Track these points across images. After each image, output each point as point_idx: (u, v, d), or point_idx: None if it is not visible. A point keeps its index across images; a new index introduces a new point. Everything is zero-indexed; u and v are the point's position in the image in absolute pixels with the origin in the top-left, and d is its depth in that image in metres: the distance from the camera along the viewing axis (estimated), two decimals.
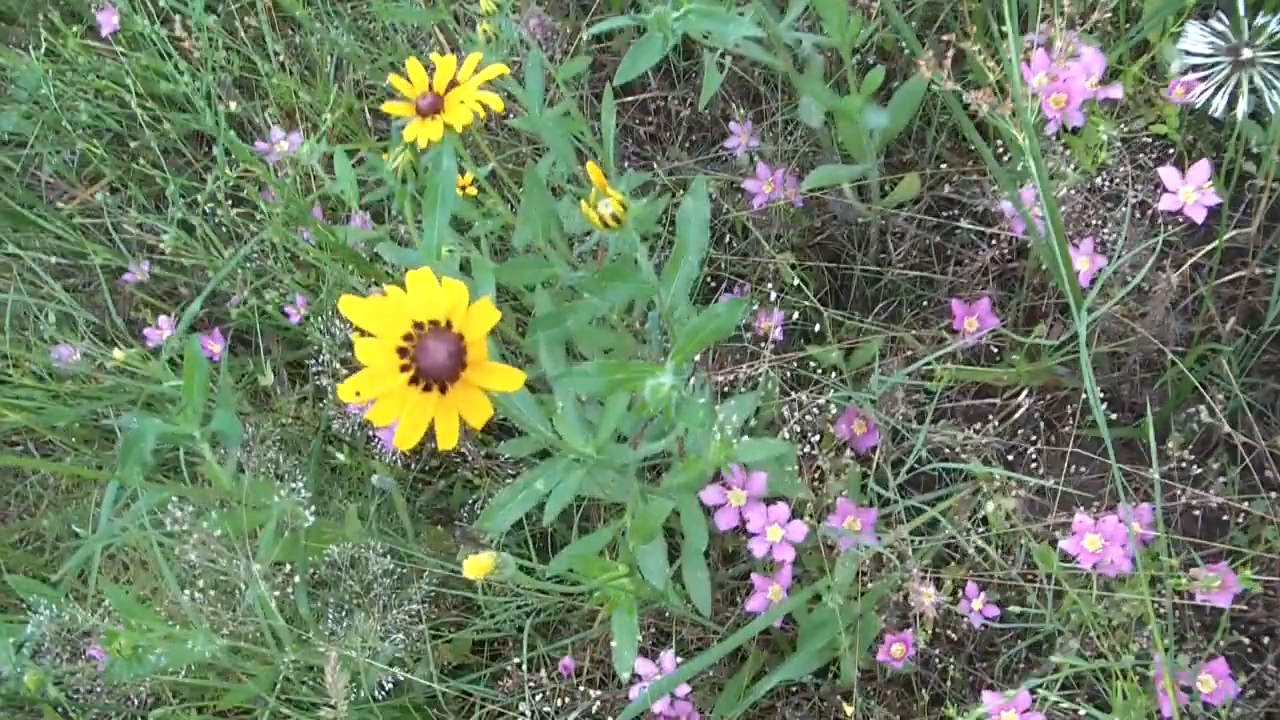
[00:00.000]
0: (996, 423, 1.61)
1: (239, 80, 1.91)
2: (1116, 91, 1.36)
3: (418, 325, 0.77)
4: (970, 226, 1.69)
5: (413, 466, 1.65)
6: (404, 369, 0.77)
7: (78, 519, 1.75)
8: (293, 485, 1.29)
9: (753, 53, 1.52)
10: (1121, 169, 1.45)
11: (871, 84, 1.40)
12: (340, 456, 1.53)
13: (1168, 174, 1.35)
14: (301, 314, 1.76)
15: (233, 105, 1.36)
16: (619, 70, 1.23)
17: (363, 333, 0.78)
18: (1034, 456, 1.66)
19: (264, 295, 1.65)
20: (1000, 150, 1.54)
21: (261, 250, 1.78)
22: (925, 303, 1.82)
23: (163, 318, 1.78)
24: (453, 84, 1.12)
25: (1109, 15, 1.49)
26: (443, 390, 0.77)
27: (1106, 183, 1.50)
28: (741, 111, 1.85)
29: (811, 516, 1.46)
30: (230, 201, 1.91)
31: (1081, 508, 1.45)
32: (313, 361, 1.62)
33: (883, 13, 1.42)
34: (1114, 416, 1.74)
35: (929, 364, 1.54)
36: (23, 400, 1.66)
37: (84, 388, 1.79)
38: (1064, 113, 1.37)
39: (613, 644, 1.24)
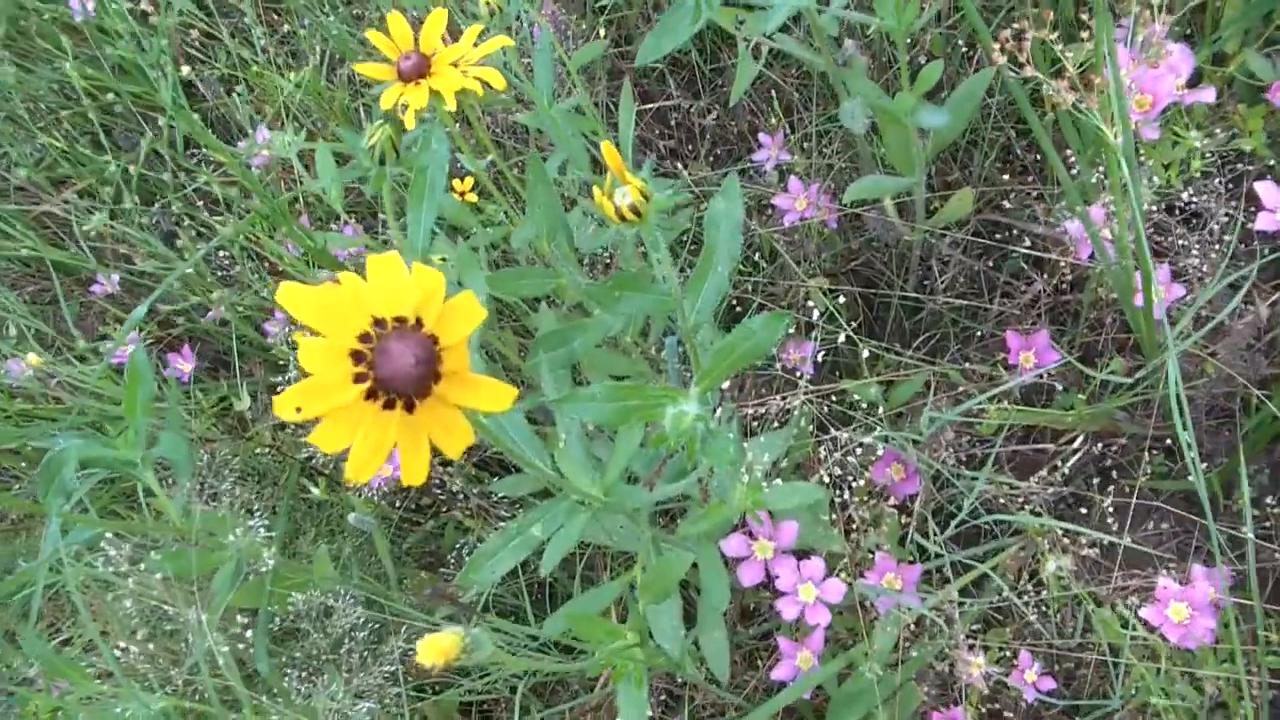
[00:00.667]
0: (1046, 472, 1.43)
1: (224, 77, 1.75)
2: (1209, 95, 1.19)
3: (378, 323, 0.59)
4: (1026, 251, 1.51)
5: (399, 505, 1.47)
6: (359, 379, 0.59)
7: (27, 552, 1.57)
8: (252, 522, 1.11)
9: (790, 47, 1.35)
10: (1206, 186, 1.28)
11: (928, 79, 1.23)
12: (315, 491, 1.35)
13: (1266, 190, 1.18)
14: (281, 330, 1.60)
15: (185, 69, 1.18)
16: (642, 50, 1.06)
17: (311, 332, 0.60)
18: (1089, 510, 1.48)
19: (236, 308, 1.48)
20: (1068, 161, 1.37)
21: (233, 258, 1.61)
22: (971, 336, 1.64)
23: (132, 334, 1.61)
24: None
25: (1185, 16, 1.33)
26: (409, 408, 0.60)
27: (1183, 201, 1.32)
28: (773, 121, 1.69)
29: (847, 573, 1.28)
30: (208, 203, 1.75)
31: (1162, 570, 1.27)
32: (284, 381, 1.45)
33: None
34: (1172, 466, 1.55)
35: (982, 404, 1.36)
36: None
37: (39, 407, 1.62)
38: (1145, 118, 1.19)
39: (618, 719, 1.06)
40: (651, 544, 1.14)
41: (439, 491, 1.49)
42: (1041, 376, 1.39)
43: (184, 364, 1.63)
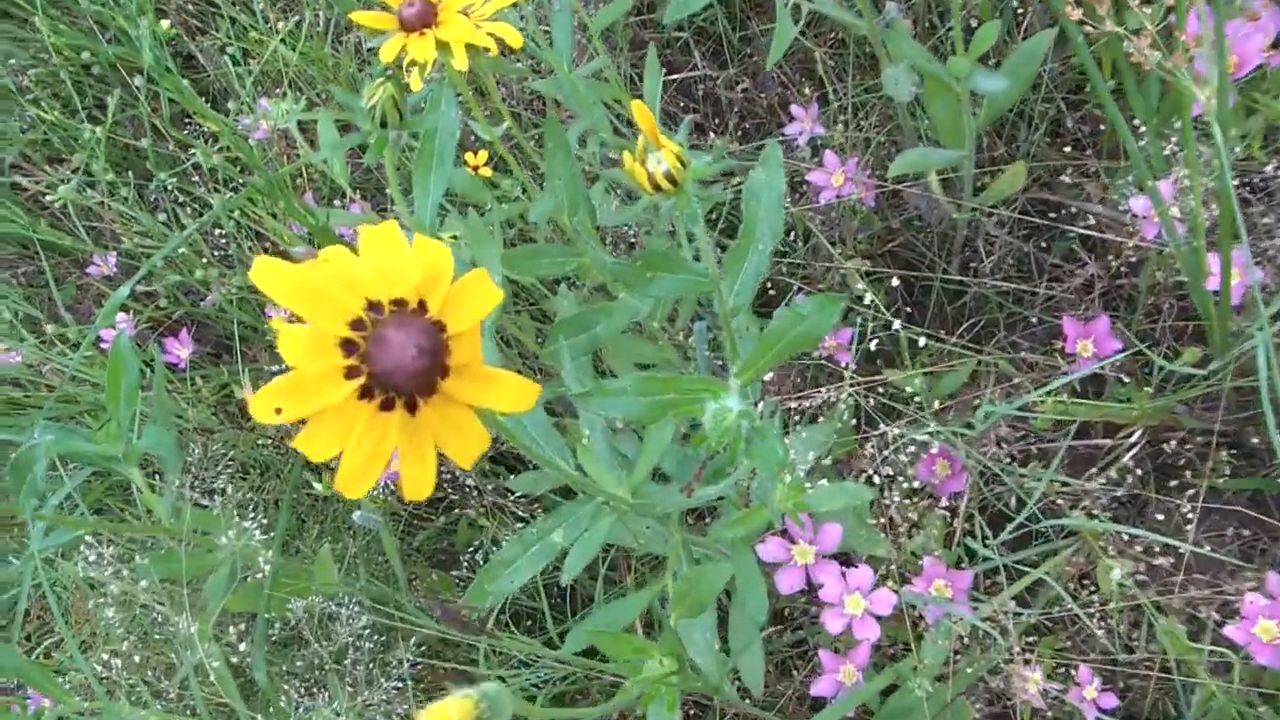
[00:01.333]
0: (1097, 470, 1.33)
1: (223, 47, 1.65)
2: None
3: (373, 306, 0.49)
4: (1083, 231, 1.40)
5: (408, 500, 1.36)
6: (351, 373, 0.49)
7: (17, 547, 1.48)
8: (248, 523, 1.01)
9: (828, 9, 1.24)
10: None
11: (984, 40, 1.12)
12: (319, 486, 1.25)
13: None
14: (282, 315, 1.50)
15: (164, 24, 1.08)
16: (671, 7, 0.96)
17: (293, 317, 0.51)
18: (1144, 510, 1.38)
19: (233, 291, 1.38)
20: (1137, 131, 1.26)
21: (229, 236, 1.51)
22: (1018, 322, 1.54)
23: (121, 315, 1.52)
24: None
25: None
26: (411, 408, 0.50)
27: (1263, 176, 1.22)
28: (806, 92, 1.58)
29: (893, 580, 1.18)
30: (207, 181, 1.65)
31: (1236, 579, 1.17)
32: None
33: None
34: (1237, 464, 1.44)
35: (1040, 398, 1.26)
36: None
37: (30, 395, 1.53)
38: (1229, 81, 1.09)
39: None
40: (682, 548, 1.04)
41: (449, 487, 1.39)
42: (1103, 368, 1.29)
43: (181, 349, 1.53)
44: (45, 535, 0.96)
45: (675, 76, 1.74)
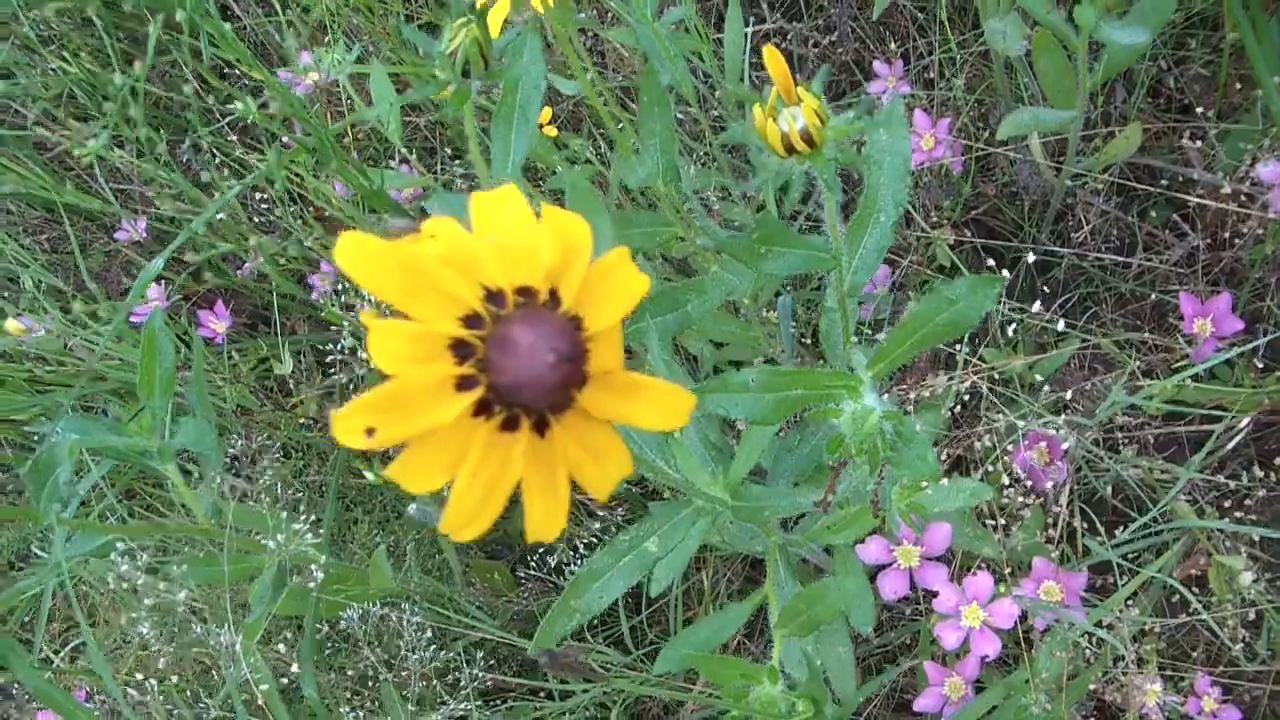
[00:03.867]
0: (1207, 457, 1.22)
1: None
2: None
3: (492, 297, 0.38)
4: (1199, 200, 1.28)
5: None
6: (464, 384, 0.38)
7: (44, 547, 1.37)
8: (298, 524, 0.91)
9: None
10: None
11: None
12: (370, 475, 1.15)
13: None
14: (326, 285, 1.39)
15: None
16: None
17: (383, 309, 0.40)
18: (1245, 501, 1.26)
19: (277, 259, 1.28)
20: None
21: (273, 201, 1.40)
22: (1114, 297, 1.42)
23: (152, 286, 1.41)
24: None
25: None
26: (541, 428, 0.39)
27: None
28: (892, 46, 1.46)
29: (1004, 582, 1.07)
30: (244, 138, 1.55)
31: None
32: (333, 347, 1.25)
33: None
34: None
35: (1160, 384, 1.14)
36: None
37: (58, 372, 1.42)
38: None
39: None
40: (779, 552, 0.93)
41: None
42: (1231, 348, 1.17)
43: (217, 323, 1.43)
44: (69, 541, 0.86)
45: (745, 31, 1.61)
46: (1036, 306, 1.18)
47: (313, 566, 0.89)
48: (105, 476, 0.99)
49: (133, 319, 1.40)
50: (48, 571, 0.77)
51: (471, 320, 0.38)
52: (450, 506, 0.38)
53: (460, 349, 0.38)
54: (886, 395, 0.70)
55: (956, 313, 0.67)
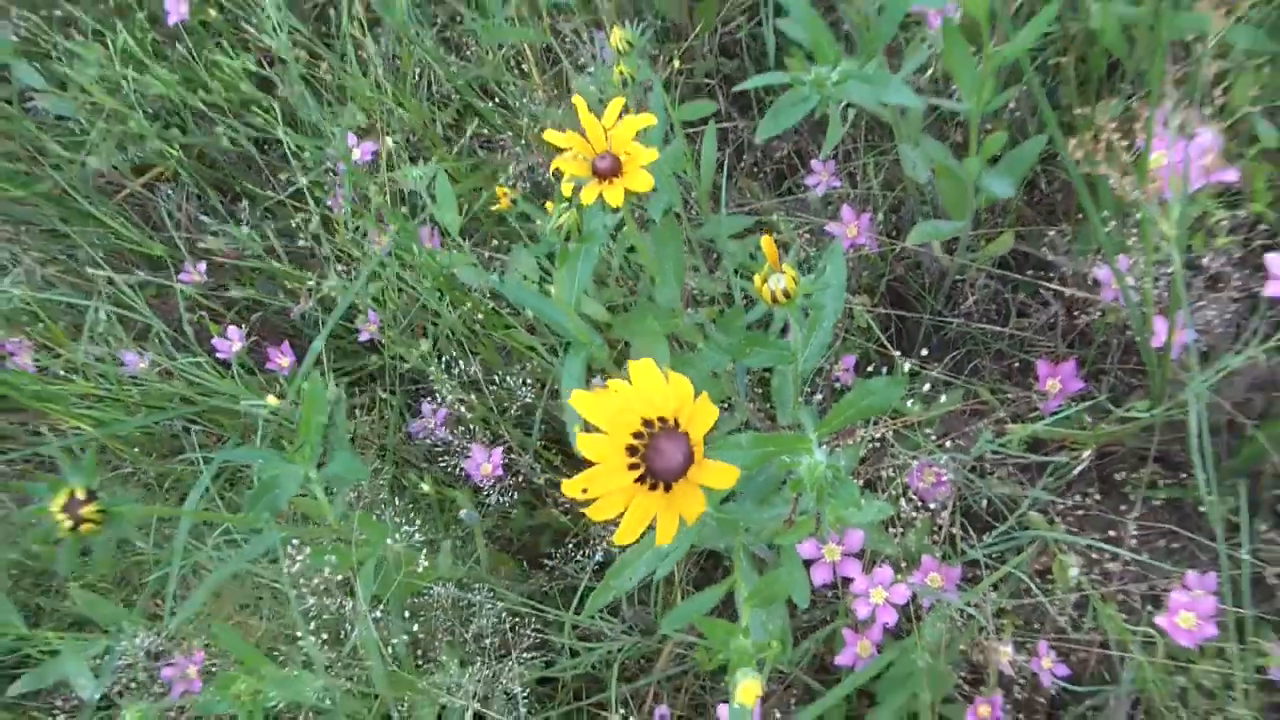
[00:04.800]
0: (1056, 479, 1.63)
1: (308, 78, 1.87)
2: (1232, 175, 1.37)
3: (646, 423, 0.76)
4: (1056, 288, 1.70)
5: (499, 498, 1.62)
6: (633, 467, 0.76)
7: (143, 540, 1.70)
8: (406, 529, 1.28)
9: (857, 98, 1.51)
10: (1228, 247, 1.46)
11: (993, 146, 1.40)
12: (425, 487, 1.52)
13: (1272, 261, 1.36)
14: (371, 332, 1.74)
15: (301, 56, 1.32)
16: (760, 128, 1.22)
17: (586, 426, 0.77)
18: (1087, 512, 1.67)
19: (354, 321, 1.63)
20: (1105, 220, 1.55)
21: (342, 264, 1.75)
22: (993, 353, 1.83)
23: (232, 329, 1.75)
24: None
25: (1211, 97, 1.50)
26: (668, 489, 0.77)
27: (1202, 265, 1.51)
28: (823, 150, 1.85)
29: (900, 571, 1.46)
30: (298, 212, 1.89)
31: (1165, 578, 1.47)
32: (378, 382, 1.60)
33: (1021, 82, 1.41)
34: (1164, 476, 1.75)
35: (1027, 428, 1.55)
36: (93, 409, 1.63)
37: (146, 397, 1.75)
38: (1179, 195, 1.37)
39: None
40: (742, 550, 1.31)
41: (532, 486, 1.65)
42: (1071, 404, 1.58)
43: (283, 358, 1.77)
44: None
45: (704, 124, 2.00)
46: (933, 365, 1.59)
47: (420, 556, 1.26)
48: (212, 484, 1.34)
49: (218, 354, 1.73)
50: (244, 555, 1.13)
51: (637, 434, 0.76)
52: (623, 527, 0.76)
53: (631, 450, 0.76)
54: (825, 446, 1.07)
55: (875, 401, 1.06)
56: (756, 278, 1.01)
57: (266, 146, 2.04)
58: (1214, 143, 1.37)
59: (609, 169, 1.02)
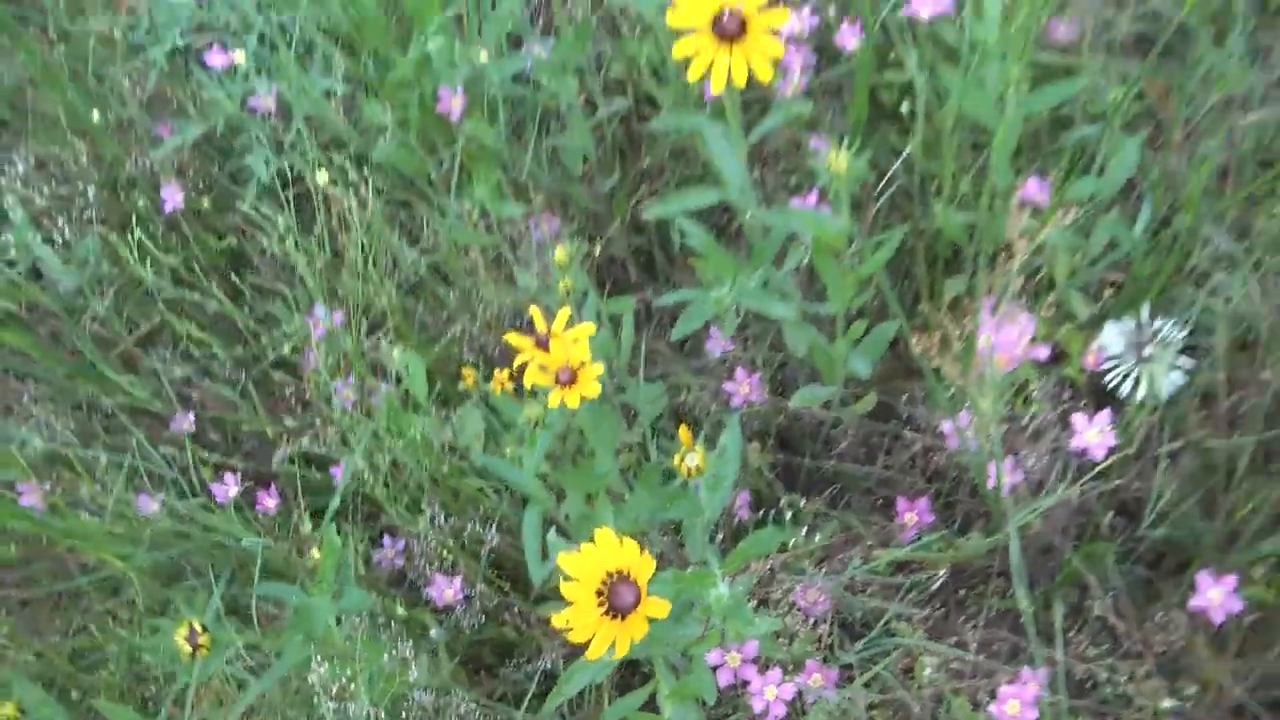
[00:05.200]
0: (917, 594, 2.00)
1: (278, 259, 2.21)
2: (1043, 353, 1.78)
3: (609, 574, 1.12)
4: (911, 434, 2.09)
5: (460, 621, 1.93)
6: (600, 604, 1.11)
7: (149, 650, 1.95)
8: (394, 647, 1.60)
9: (754, 303, 1.90)
10: (1042, 410, 1.87)
11: (855, 334, 1.80)
12: (400, 610, 1.83)
13: (1078, 419, 1.76)
14: (343, 481, 2.05)
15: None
16: (677, 328, 1.60)
17: (565, 577, 1.12)
18: (947, 618, 2.05)
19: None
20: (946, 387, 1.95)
21: (319, 417, 2.07)
22: (862, 490, 2.21)
23: (228, 475, 2.06)
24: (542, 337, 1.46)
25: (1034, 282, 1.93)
26: (624, 618, 1.12)
27: (1028, 420, 1.92)
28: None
29: (788, 673, 1.82)
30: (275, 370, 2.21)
31: (1005, 676, 1.84)
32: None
33: (876, 286, 1.82)
34: (1007, 587, 2.13)
35: (891, 554, 1.93)
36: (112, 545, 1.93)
37: (155, 534, 2.04)
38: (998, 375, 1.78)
39: None
40: (661, 659, 1.66)
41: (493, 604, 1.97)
42: (925, 533, 1.96)
43: (270, 500, 2.08)
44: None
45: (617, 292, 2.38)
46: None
47: (411, 669, 1.58)
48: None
49: (216, 499, 2.04)
50: (273, 676, 1.44)
51: (604, 583, 1.11)
52: (592, 647, 1.11)
53: (599, 594, 1.11)
54: (727, 579, 1.43)
55: (764, 546, 1.43)
56: (676, 457, 1.37)
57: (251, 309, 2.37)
58: (1028, 326, 1.78)
59: (568, 380, 1.38)
